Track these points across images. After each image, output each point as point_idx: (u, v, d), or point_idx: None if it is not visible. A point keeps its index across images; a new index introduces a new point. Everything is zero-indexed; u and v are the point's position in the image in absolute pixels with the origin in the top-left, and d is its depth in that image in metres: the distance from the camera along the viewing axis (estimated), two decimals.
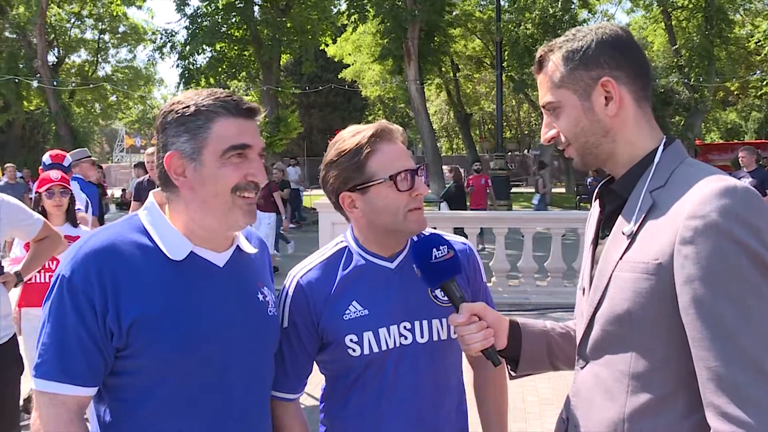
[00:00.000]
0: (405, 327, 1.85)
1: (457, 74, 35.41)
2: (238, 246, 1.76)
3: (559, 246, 9.24)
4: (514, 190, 22.05)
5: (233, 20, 26.43)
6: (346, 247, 1.95)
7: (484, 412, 2.09)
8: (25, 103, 31.78)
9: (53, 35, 34.41)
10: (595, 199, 1.74)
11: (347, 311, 1.85)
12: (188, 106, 1.61)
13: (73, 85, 34.19)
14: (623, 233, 1.51)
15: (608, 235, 1.57)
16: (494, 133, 29.22)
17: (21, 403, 5.06)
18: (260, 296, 1.77)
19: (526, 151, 47.52)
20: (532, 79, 27.60)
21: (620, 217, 1.55)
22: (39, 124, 33.85)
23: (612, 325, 1.51)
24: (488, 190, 14.99)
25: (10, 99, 30.71)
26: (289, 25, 26.08)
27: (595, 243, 1.67)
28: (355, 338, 1.83)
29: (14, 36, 32.21)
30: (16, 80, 28.81)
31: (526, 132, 48.28)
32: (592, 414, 1.55)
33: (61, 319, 1.54)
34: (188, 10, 26.66)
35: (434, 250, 1.73)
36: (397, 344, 1.84)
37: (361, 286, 1.87)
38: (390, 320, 1.84)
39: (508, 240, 9.53)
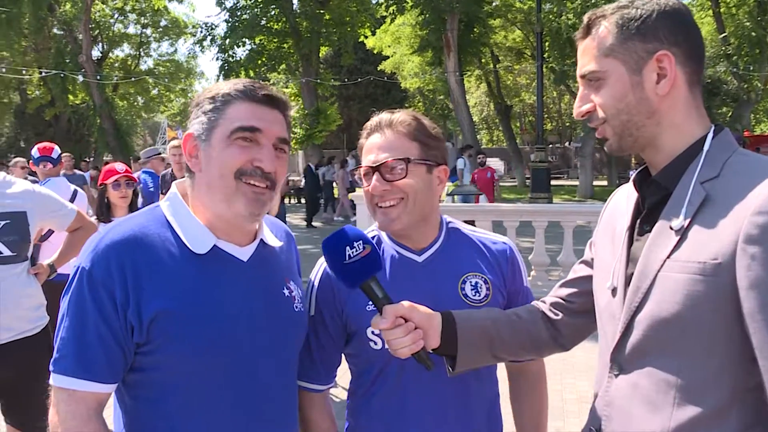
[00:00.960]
0: None
1: (497, 66, 35.07)
2: (262, 239, 1.70)
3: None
4: (554, 182, 21.72)
5: (272, 13, 26.57)
6: (376, 236, 1.91)
7: (521, 424, 2.01)
8: (70, 97, 32.43)
9: (98, 31, 35.06)
10: (626, 190, 1.60)
11: (370, 302, 1.75)
12: (211, 91, 1.62)
13: (116, 79, 34.73)
14: (671, 229, 1.36)
15: (649, 231, 1.42)
16: (535, 125, 28.85)
17: None
18: (286, 291, 1.71)
19: (567, 144, 46.93)
20: (573, 70, 27.09)
21: (665, 210, 1.40)
22: (84, 118, 34.52)
23: (657, 330, 1.36)
24: (495, 185, 14.23)
25: (56, 93, 31.37)
26: (327, 17, 26.13)
27: (630, 238, 1.50)
28: (376, 330, 1.75)
29: (61, 32, 32.85)
30: (62, 75, 29.36)
31: (567, 124, 47.61)
32: (630, 427, 1.41)
33: (81, 312, 1.49)
34: (228, 3, 26.85)
35: (347, 248, 1.58)
36: None
37: (387, 278, 1.81)
38: None
39: (548, 234, 9.33)
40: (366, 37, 30.07)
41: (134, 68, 38.12)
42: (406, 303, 1.60)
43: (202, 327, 1.52)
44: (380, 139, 1.80)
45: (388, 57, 32.74)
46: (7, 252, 3.19)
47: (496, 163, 26.54)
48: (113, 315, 1.48)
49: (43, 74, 30.75)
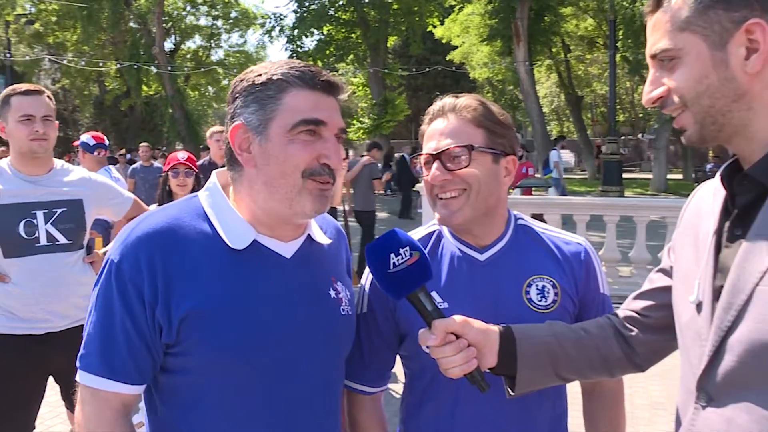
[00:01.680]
0: None
1: (568, 55, 34.27)
2: (309, 235, 1.57)
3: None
4: (626, 175, 21.05)
5: (340, 2, 26.62)
6: (437, 230, 1.76)
7: None
8: (144, 88, 33.27)
9: (170, 23, 35.92)
10: (712, 187, 1.36)
11: None
12: (260, 75, 1.43)
13: (188, 69, 35.49)
14: None
15: (741, 236, 1.20)
16: (607, 116, 28.06)
17: None
18: (332, 292, 1.57)
19: (640, 136, 45.54)
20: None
21: (763, 211, 1.17)
22: (157, 108, 35.39)
23: (756, 356, 1.12)
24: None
25: (131, 84, 32.24)
26: (395, 6, 26.08)
27: (718, 244, 1.27)
28: (424, 346, 1.59)
29: (136, 26, 33.74)
30: (136, 66, 30.16)
31: (641, 115, 46.12)
32: None
33: (108, 308, 1.40)
34: None
35: (392, 255, 1.41)
36: None
37: (444, 276, 1.66)
38: (471, 318, 1.58)
39: (619, 228, 8.99)
40: (434, 27, 29.85)
41: (205, 59, 38.84)
42: (458, 318, 1.43)
43: (236, 328, 1.39)
44: (443, 124, 1.65)
45: (456, 47, 32.37)
46: (63, 240, 3.18)
47: (566, 155, 25.99)
48: (141, 313, 1.38)
49: (119, 66, 31.65)
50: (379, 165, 11.99)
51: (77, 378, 1.43)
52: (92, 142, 6.47)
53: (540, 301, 1.64)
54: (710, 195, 1.35)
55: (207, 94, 41.79)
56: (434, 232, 1.76)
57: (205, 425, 1.42)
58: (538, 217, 8.97)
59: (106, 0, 29.31)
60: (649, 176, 28.40)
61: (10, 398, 3.08)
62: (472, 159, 1.61)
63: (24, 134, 3.10)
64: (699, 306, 1.25)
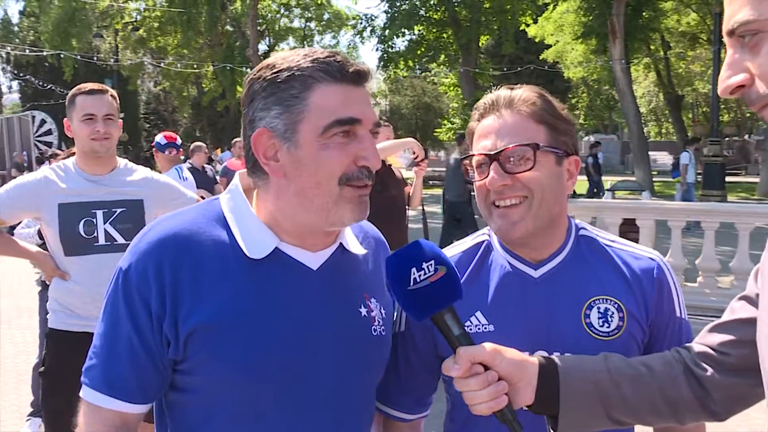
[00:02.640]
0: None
1: (668, 52, 32.88)
2: (341, 244, 1.39)
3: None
4: (729, 179, 19.93)
5: (431, 2, 26.53)
6: (486, 241, 1.54)
7: None
8: (239, 89, 34.17)
9: (264, 26, 36.78)
10: None
11: (467, 323, 1.43)
12: (280, 71, 1.25)
13: None
14: None
15: None
16: (709, 116, 26.72)
17: None
18: (363, 310, 1.38)
19: (746, 137, 43.26)
20: None
21: None
22: None
23: None
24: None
25: (226, 86, 33.19)
26: (487, 5, 25.79)
27: None
28: (447, 376, 1.39)
29: (232, 29, 34.76)
30: (229, 68, 31.00)
31: (748, 115, 43.87)
32: None
33: (114, 319, 1.28)
34: None
35: (413, 270, 1.21)
36: None
37: (491, 294, 1.45)
38: (520, 344, 1.35)
39: (720, 235, 8.42)
40: (527, 26, 29.33)
41: None
42: (488, 346, 1.21)
43: (249, 345, 1.24)
44: (497, 121, 1.43)
45: (550, 45, 31.66)
46: (121, 240, 3.18)
47: (664, 157, 24.89)
48: (147, 326, 1.26)
49: (214, 68, 32.64)
50: None
51: (81, 392, 1.32)
52: (164, 142, 6.66)
53: (602, 326, 1.41)
54: None
55: None
56: (482, 242, 1.54)
57: None
58: (630, 222, 8.53)
59: (204, 5, 30.34)
60: (756, 180, 26.83)
61: (68, 393, 3.10)
62: (537, 160, 1.39)
63: (86, 133, 3.13)
64: None
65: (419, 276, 1.21)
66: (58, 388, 3.11)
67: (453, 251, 1.56)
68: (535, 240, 1.44)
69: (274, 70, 1.26)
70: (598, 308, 1.42)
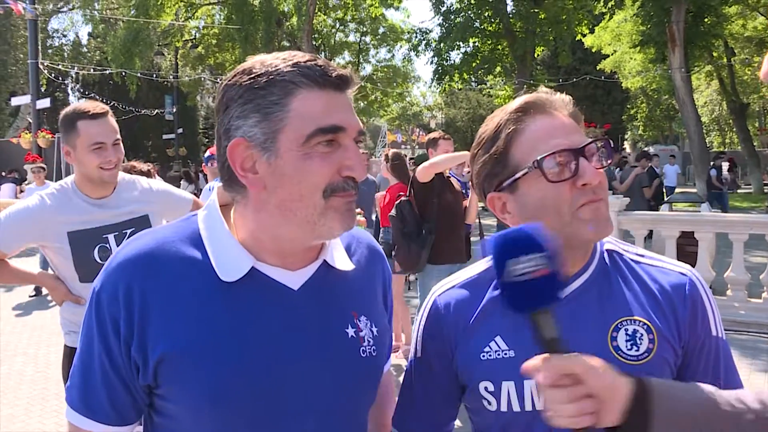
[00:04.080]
0: None
1: (733, 59, 31.87)
2: (325, 261, 1.32)
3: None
4: None
5: (485, 15, 26.39)
6: None
7: None
8: None
9: (320, 40, 37.14)
10: None
11: (486, 348, 1.34)
12: (258, 76, 1.17)
13: None
14: None
15: None
16: None
17: None
18: (350, 330, 1.31)
19: None
20: None
21: None
22: None
23: None
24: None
25: None
26: (542, 16, 25.48)
27: None
28: (490, 387, 1.33)
29: (288, 44, 35.25)
30: None
31: None
32: None
33: (88, 341, 1.24)
34: (442, 8, 27.15)
35: (510, 262, 1.07)
36: None
37: (511, 318, 1.31)
38: None
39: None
40: (584, 36, 28.87)
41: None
42: (581, 358, 1.08)
43: (218, 375, 1.17)
44: (556, 120, 1.32)
45: (607, 56, 31.11)
46: None
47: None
48: (117, 349, 1.21)
49: None
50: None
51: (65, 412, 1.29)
52: (207, 155, 7.03)
53: (630, 349, 1.30)
54: None
55: (357, 108, 42.79)
56: None
57: None
58: (689, 235, 8.25)
59: (261, 21, 30.87)
60: None
61: None
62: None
63: (96, 163, 2.95)
64: None
65: (520, 268, 1.08)
66: None
67: (468, 273, 1.48)
68: (564, 253, 1.32)
69: (252, 75, 1.18)
70: (626, 330, 1.32)
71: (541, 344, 1.10)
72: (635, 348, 1.30)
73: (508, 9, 26.28)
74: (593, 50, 31.25)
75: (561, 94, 1.37)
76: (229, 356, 1.19)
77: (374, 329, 1.36)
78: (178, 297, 1.20)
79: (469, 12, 26.83)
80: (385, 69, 41.77)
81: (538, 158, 1.26)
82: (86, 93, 42.37)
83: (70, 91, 48.71)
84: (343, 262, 1.35)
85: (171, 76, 34.31)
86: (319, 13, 34.46)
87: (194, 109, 42.81)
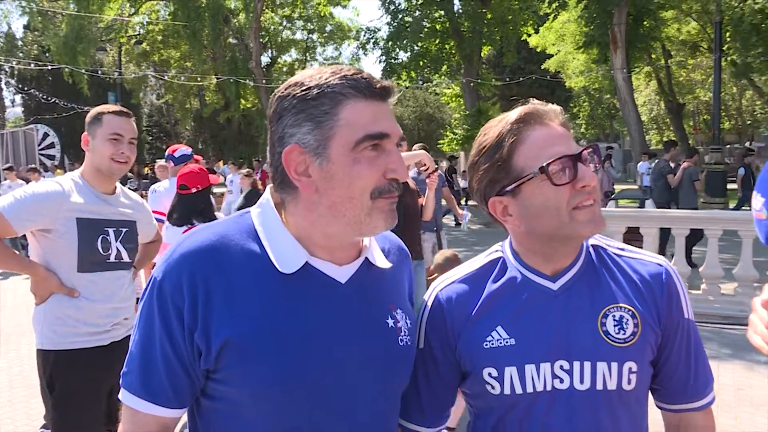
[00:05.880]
0: (561, 367, 1.44)
1: (669, 61, 32.95)
2: (367, 259, 1.44)
3: None
4: (731, 186, 19.88)
5: (434, 14, 26.68)
6: (500, 258, 1.57)
7: None
8: (242, 101, 34.33)
9: (267, 38, 36.96)
10: None
11: (489, 338, 1.47)
12: (309, 88, 1.28)
13: (281, 83, 36.38)
14: None
15: None
16: (710, 124, 26.74)
17: None
18: (390, 321, 1.43)
19: (747, 144, 43.28)
20: (758, 62, 25.06)
21: None
22: (253, 120, 36.40)
23: None
24: None
25: (231, 98, 33.34)
26: (489, 16, 25.89)
27: None
28: (494, 372, 1.46)
29: (235, 41, 34.98)
30: (231, 80, 31.18)
31: (749, 122, 43.90)
32: None
33: (149, 328, 1.32)
34: (391, 7, 27.32)
35: None
36: (549, 387, 1.44)
37: (510, 308, 1.48)
38: (542, 356, 1.44)
39: (723, 243, 8.47)
40: (529, 36, 29.45)
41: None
42: None
43: (280, 360, 1.28)
44: (551, 130, 1.44)
45: (551, 55, 31.78)
46: (126, 258, 3.25)
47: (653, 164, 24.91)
48: (180, 335, 1.30)
49: (217, 81, 32.83)
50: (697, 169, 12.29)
51: (120, 395, 1.38)
52: (168, 154, 6.77)
53: (618, 333, 1.46)
54: None
55: None
56: (498, 259, 1.58)
57: None
58: (634, 231, 8.59)
59: (208, 18, 30.54)
60: None
61: (91, 413, 3.13)
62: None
63: (109, 152, 3.12)
64: None
65: None
66: (77, 415, 3.07)
67: (466, 269, 1.60)
68: (553, 251, 1.49)
69: (304, 88, 1.29)
70: (614, 316, 1.47)
71: None
72: (622, 332, 1.46)
73: (456, 8, 26.62)
74: (538, 50, 31.88)
75: (552, 105, 1.50)
76: (293, 342, 1.29)
77: (408, 321, 1.48)
78: (240, 286, 1.30)
79: (418, 12, 27.07)
80: (333, 67, 41.79)
81: (544, 164, 1.40)
82: (23, 88, 41.14)
83: (4, 86, 47.14)
84: (381, 261, 1.47)
85: (115, 73, 33.60)
86: (266, 10, 34.27)
87: (138, 106, 42.03)
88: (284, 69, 40.71)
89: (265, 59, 36.55)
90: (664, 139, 46.92)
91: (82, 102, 31.90)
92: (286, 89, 1.32)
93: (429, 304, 1.59)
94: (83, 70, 30.04)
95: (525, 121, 1.44)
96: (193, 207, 4.60)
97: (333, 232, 1.34)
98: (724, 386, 5.43)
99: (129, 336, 3.19)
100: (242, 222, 1.40)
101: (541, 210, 1.42)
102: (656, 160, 15.16)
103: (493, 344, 1.47)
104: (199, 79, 33.03)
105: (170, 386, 1.32)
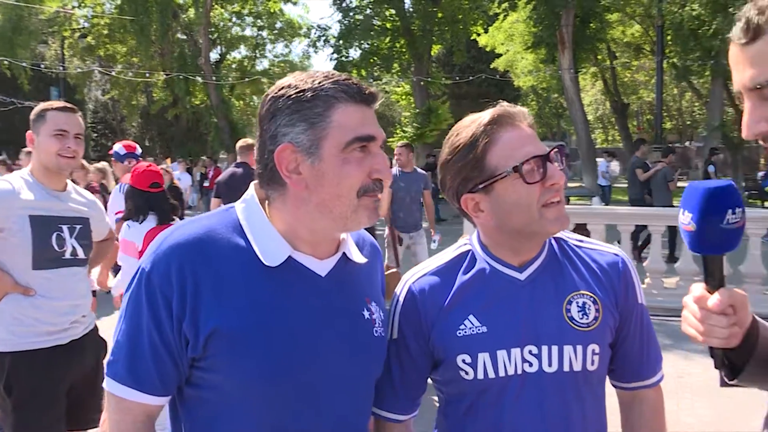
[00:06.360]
0: (530, 351, 1.55)
1: (614, 62, 33.74)
2: (344, 253, 1.52)
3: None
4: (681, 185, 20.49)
5: (385, 13, 26.77)
6: (469, 251, 1.67)
7: None
8: (191, 98, 33.84)
9: (216, 34, 36.53)
10: None
11: (462, 326, 1.57)
12: (304, 91, 1.36)
13: (233, 80, 36.05)
14: None
15: None
16: (653, 124, 27.52)
17: None
18: (366, 313, 1.52)
19: (687, 143, 44.63)
20: (697, 65, 25.89)
21: None
22: (202, 118, 35.93)
23: None
24: None
25: (180, 94, 32.84)
26: (440, 15, 26.09)
27: None
28: (468, 359, 1.55)
29: (184, 37, 34.46)
30: (181, 76, 30.75)
31: (689, 123, 45.29)
32: None
33: (137, 317, 1.37)
34: (342, 4, 27.31)
35: (729, 212, 1.27)
36: (519, 371, 1.55)
37: (481, 298, 1.58)
38: (512, 342, 1.54)
39: (665, 238, 8.79)
40: (478, 35, 29.76)
41: (250, 69, 39.33)
42: (740, 295, 1.31)
43: (264, 349, 1.35)
44: (522, 132, 1.55)
45: (501, 55, 32.19)
46: (81, 255, 3.24)
47: (611, 164, 25.53)
48: (168, 325, 1.35)
49: (165, 77, 32.32)
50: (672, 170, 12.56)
51: (104, 384, 1.42)
52: (123, 152, 6.57)
53: (581, 318, 1.57)
54: None
55: (252, 103, 42.35)
56: (467, 252, 1.67)
57: None
58: (582, 227, 8.83)
59: (155, 13, 30.01)
60: None
61: (51, 414, 3.10)
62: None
63: (55, 149, 3.09)
64: None
65: (731, 219, 1.26)
66: (37, 417, 3.03)
67: (436, 262, 1.69)
68: (520, 244, 1.60)
69: (298, 90, 1.36)
70: (577, 303, 1.59)
71: (713, 278, 1.30)
72: (585, 317, 1.58)
73: (407, 7, 26.76)
74: (487, 49, 32.21)
75: (520, 107, 1.61)
76: (278, 331, 1.37)
77: (381, 313, 1.57)
78: (227, 278, 1.36)
79: (369, 10, 27.13)
80: (282, 64, 41.50)
81: (517, 164, 1.50)
82: None
83: None
84: (357, 256, 1.55)
85: (58, 67, 32.77)
86: (216, 5, 33.83)
87: (83, 102, 41.04)
88: (234, 66, 40.30)
89: (214, 56, 36.12)
90: (609, 137, 48.06)
91: (21, 97, 30.99)
92: (279, 90, 1.39)
93: (402, 296, 1.66)
94: (24, 64, 29.18)
95: (497, 123, 1.54)
96: (162, 204, 4.63)
97: (319, 227, 1.42)
98: (666, 375, 5.57)
99: (88, 334, 3.26)
100: (227, 216, 1.46)
101: (512, 206, 1.53)
102: (607, 161, 15.57)
103: (466, 332, 1.56)
104: (147, 75, 32.42)
105: (157, 374, 1.37)
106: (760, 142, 1.19)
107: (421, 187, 7.94)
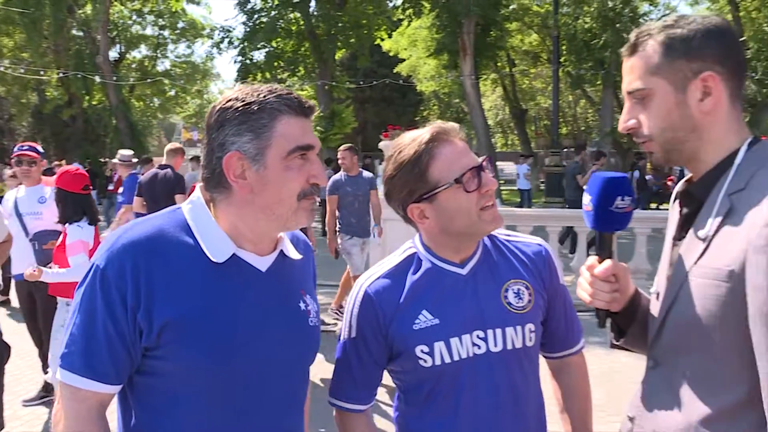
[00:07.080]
0: (478, 336, 1.77)
1: (513, 69, 34.95)
2: (282, 251, 1.66)
3: (616, 245, 8.88)
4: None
5: (290, 16, 26.66)
6: (415, 253, 1.87)
7: (567, 422, 1.99)
8: (87, 97, 32.62)
9: (116, 32, 35.33)
10: (674, 200, 1.66)
11: (417, 320, 1.77)
12: (251, 104, 1.50)
13: (133, 80, 34.97)
14: (698, 237, 1.45)
15: (684, 238, 1.52)
16: (550, 129, 28.70)
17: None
18: (302, 305, 1.67)
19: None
20: (590, 74, 27.24)
21: (696, 220, 1.48)
22: (100, 118, 34.68)
23: (682, 331, 1.47)
24: None
25: (78, 94, 31.57)
26: (344, 19, 26.19)
27: (674, 246, 1.61)
28: (426, 349, 1.75)
29: (80, 34, 33.15)
30: (79, 75, 29.59)
31: (583, 128, 47.38)
32: (660, 416, 1.53)
33: (91, 311, 1.47)
34: (246, 6, 27.01)
35: (618, 198, 1.59)
36: (470, 354, 1.76)
37: (431, 294, 1.79)
38: (462, 329, 1.76)
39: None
40: (382, 40, 30.06)
41: (151, 69, 38.26)
42: (623, 266, 1.63)
43: (213, 338, 1.48)
44: (458, 146, 1.76)
45: (404, 60, 32.69)
46: None
47: (510, 167, 26.45)
48: (123, 317, 1.45)
49: (61, 75, 31.02)
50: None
51: (57, 376, 1.50)
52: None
53: (517, 302, 1.80)
54: (675, 208, 1.66)
55: (152, 104, 41.25)
56: (413, 255, 1.86)
57: (177, 428, 1.50)
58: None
59: (48, 6, 28.74)
60: None
61: None
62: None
63: None
64: (657, 295, 1.58)
65: (620, 204, 1.60)
66: None
67: (386, 266, 1.87)
68: (460, 243, 1.81)
69: (245, 102, 1.50)
70: (513, 289, 1.82)
71: (603, 253, 1.64)
72: (521, 301, 1.82)
73: (312, 11, 26.75)
74: (391, 54, 32.64)
75: (452, 123, 1.83)
76: (225, 322, 1.50)
77: (315, 305, 1.73)
78: (178, 273, 1.48)
79: (274, 12, 26.97)
80: (184, 65, 40.64)
81: (458, 176, 1.72)
82: None
83: None
84: (293, 253, 1.70)
85: None
86: (115, 2, 32.76)
87: None
88: (134, 65, 39.12)
89: (113, 54, 34.92)
90: (509, 142, 49.56)
91: None
92: (227, 102, 1.53)
93: (358, 298, 1.84)
94: None
95: (436, 140, 1.76)
96: (92, 206, 4.78)
97: (261, 227, 1.56)
98: None
99: None
100: (175, 217, 1.58)
101: (455, 213, 1.74)
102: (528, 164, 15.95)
103: (421, 325, 1.76)
104: (42, 72, 30.95)
105: (112, 363, 1.47)
106: (634, 139, 1.57)
107: (368, 190, 7.97)
